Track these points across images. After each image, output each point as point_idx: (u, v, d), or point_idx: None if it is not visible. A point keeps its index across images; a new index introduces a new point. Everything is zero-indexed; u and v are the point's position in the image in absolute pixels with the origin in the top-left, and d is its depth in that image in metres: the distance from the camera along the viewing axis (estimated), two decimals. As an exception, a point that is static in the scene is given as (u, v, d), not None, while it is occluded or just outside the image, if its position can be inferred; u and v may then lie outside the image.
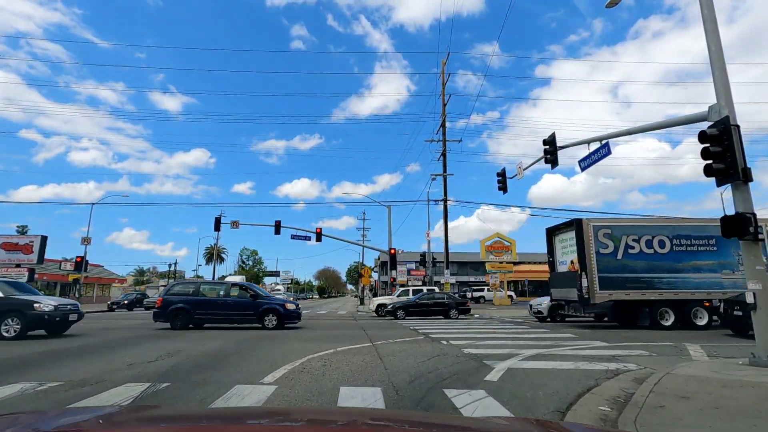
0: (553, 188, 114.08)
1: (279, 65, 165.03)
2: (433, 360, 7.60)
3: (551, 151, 13.44)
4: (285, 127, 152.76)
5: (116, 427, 1.36)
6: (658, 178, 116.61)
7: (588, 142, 12.09)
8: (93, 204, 33.99)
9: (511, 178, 18.22)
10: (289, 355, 7.91)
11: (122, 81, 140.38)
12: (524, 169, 16.22)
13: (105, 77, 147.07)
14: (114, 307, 31.94)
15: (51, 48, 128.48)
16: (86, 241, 32.12)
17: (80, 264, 31.40)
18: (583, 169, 12.48)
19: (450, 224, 27.01)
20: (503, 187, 18.45)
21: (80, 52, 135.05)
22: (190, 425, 1.46)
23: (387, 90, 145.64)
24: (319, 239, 31.28)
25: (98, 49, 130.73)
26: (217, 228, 33.06)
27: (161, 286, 70.59)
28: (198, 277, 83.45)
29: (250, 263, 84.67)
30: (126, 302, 32.41)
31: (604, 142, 11.34)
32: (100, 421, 1.42)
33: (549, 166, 13.69)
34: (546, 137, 13.59)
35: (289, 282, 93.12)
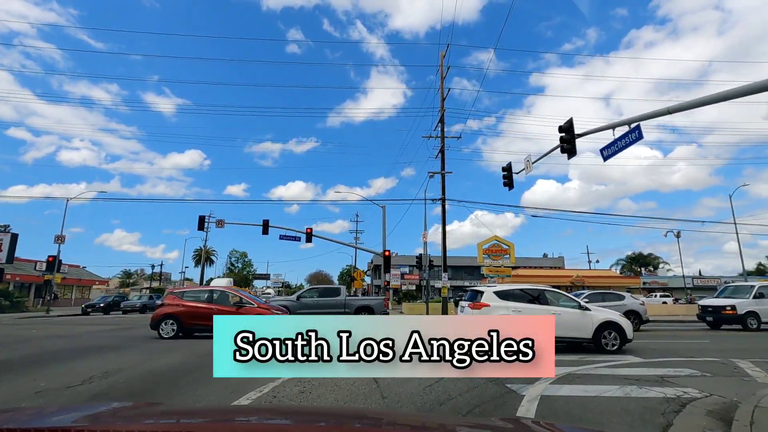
0: (546, 194, 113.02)
1: (275, 68, 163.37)
2: (443, 383, 6.01)
3: (568, 139, 11.94)
4: (280, 130, 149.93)
5: (115, 424, 1.34)
6: (651, 185, 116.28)
7: (613, 127, 10.64)
8: (68, 199, 31.88)
9: (518, 173, 16.77)
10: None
11: (116, 82, 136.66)
12: (534, 162, 14.74)
13: (99, 78, 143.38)
14: (89, 310, 29.83)
15: (45, 48, 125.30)
16: (60, 239, 30.02)
17: (52, 264, 29.29)
18: (606, 159, 11.01)
19: (446, 227, 25.42)
20: (509, 183, 16.98)
21: (74, 52, 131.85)
22: (188, 422, 1.46)
23: (383, 94, 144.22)
24: (309, 240, 29.61)
25: (93, 50, 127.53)
26: (201, 227, 31.25)
27: (144, 288, 68.07)
28: (187, 280, 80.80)
29: (240, 266, 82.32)
30: (102, 305, 30.30)
31: (634, 125, 9.87)
32: (98, 418, 1.40)
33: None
34: (562, 124, 12.11)
35: (280, 285, 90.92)
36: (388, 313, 21.18)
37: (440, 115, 26.26)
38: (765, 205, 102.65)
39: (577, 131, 11.87)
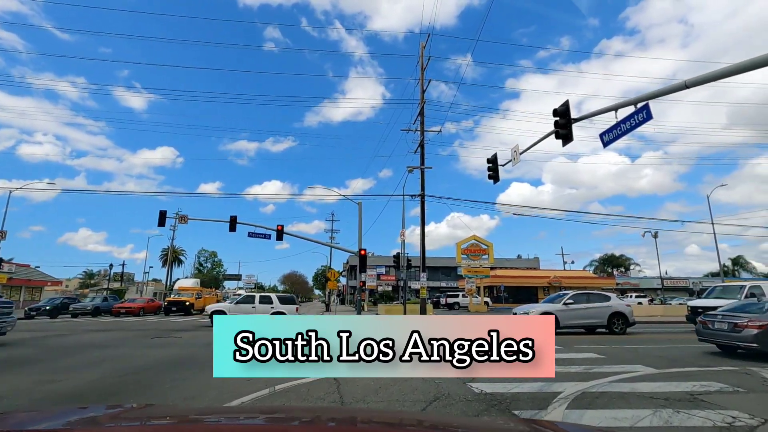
0: (521, 196, 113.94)
1: (251, 65, 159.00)
2: (432, 409, 4.63)
3: (563, 123, 10.84)
4: (257, 128, 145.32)
5: (112, 426, 1.35)
6: (620, 189, 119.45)
7: (615, 108, 9.58)
8: (11, 191, 28.87)
9: (504, 165, 15.67)
10: (198, 400, 4.71)
11: (84, 75, 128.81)
12: (523, 152, 13.63)
13: (65, 71, 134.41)
14: (33, 313, 26.95)
15: (6, 37, 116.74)
16: (0, 235, 27.10)
17: (-9, 262, 26.36)
18: (606, 144, 9.95)
19: (424, 228, 24.16)
20: (494, 176, 15.86)
21: (39, 43, 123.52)
22: (187, 424, 1.48)
23: (361, 95, 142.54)
24: (280, 237, 27.76)
25: (59, 41, 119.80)
26: (162, 223, 28.76)
27: (105, 289, 63.90)
28: (154, 281, 76.53)
29: (209, 266, 78.82)
30: (48, 308, 27.39)
31: (641, 104, 8.81)
32: (95, 421, 1.42)
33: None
34: (557, 107, 11.01)
35: (253, 286, 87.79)
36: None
37: (420, 107, 25.05)
38: (724, 210, 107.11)
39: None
